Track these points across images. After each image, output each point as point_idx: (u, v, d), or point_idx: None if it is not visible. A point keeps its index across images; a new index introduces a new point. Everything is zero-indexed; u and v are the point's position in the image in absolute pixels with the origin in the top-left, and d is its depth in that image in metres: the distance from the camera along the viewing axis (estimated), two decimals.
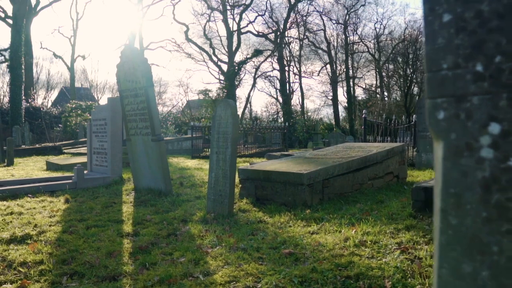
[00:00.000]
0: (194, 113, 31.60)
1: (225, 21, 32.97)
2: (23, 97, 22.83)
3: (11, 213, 4.89)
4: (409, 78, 35.82)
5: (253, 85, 37.93)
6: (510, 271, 0.61)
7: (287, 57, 38.33)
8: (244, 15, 34.24)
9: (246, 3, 33.34)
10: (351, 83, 40.21)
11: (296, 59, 40.11)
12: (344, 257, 2.98)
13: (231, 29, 33.46)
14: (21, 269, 3.13)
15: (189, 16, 76.90)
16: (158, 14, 70.82)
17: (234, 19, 33.94)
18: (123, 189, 6.57)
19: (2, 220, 4.53)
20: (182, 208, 5.10)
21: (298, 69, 40.40)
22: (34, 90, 31.94)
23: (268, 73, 38.76)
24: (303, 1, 34.89)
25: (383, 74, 40.91)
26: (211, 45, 34.07)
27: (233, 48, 33.23)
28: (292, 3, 33.79)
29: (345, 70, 39.68)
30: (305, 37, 38.41)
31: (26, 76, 25.33)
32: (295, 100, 41.80)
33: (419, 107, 9.83)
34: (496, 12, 0.60)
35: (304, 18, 36.58)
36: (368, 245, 3.26)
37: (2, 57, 34.67)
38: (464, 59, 0.62)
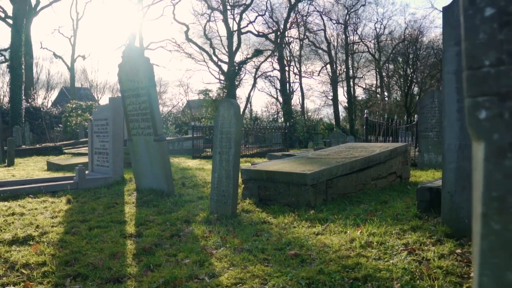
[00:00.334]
0: (195, 113, 31.58)
1: (225, 21, 32.93)
2: (23, 97, 22.79)
3: (13, 214, 4.85)
4: (409, 78, 35.78)
5: (253, 85, 37.87)
6: None
7: (287, 57, 38.31)
8: (244, 15, 34.23)
9: (246, 3, 33.30)
10: (351, 83, 40.18)
11: (296, 59, 40.10)
12: (350, 259, 2.95)
13: (231, 29, 33.42)
14: (23, 271, 3.09)
15: (189, 16, 77.02)
16: (158, 14, 70.84)
17: (234, 19, 33.92)
18: (125, 190, 6.53)
19: (4, 221, 4.49)
20: (184, 208, 5.06)
21: (298, 69, 40.40)
22: (34, 90, 31.90)
23: (268, 73, 38.73)
24: (303, 1, 34.87)
25: (383, 74, 40.89)
26: (211, 45, 34.03)
27: (233, 48, 33.19)
28: (292, 3, 33.75)
29: (345, 70, 39.65)
30: (305, 37, 38.40)
31: (26, 76, 25.29)
32: (295, 100, 41.80)
33: (421, 107, 9.80)
34: None
35: (304, 18, 36.57)
36: (375, 246, 3.23)
37: (2, 57, 34.63)
38: (508, 55, 0.59)
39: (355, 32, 39.80)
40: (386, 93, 41.64)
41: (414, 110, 32.82)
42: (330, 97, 41.32)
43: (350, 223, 3.97)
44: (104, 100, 48.05)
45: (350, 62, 40.12)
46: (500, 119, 0.62)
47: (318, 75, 41.15)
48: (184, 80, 67.64)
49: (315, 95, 51.90)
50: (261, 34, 36.24)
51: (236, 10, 33.74)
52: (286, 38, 36.60)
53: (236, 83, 32.98)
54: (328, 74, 40.32)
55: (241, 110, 37.51)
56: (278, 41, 34.57)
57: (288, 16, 34.34)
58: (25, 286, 2.81)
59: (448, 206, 3.53)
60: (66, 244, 3.67)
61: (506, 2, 0.60)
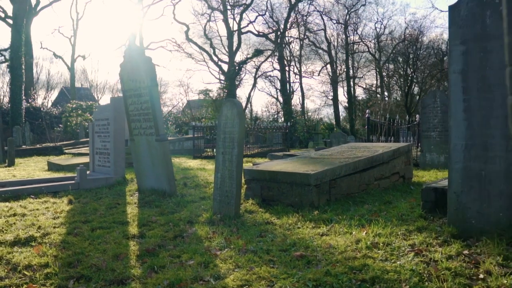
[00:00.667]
0: (195, 113, 31.54)
1: (225, 21, 32.88)
2: (23, 97, 22.74)
3: (14, 215, 4.82)
4: (409, 78, 35.71)
5: (254, 85, 37.84)
6: None
7: (287, 57, 38.26)
8: (244, 15, 34.17)
9: (247, 3, 33.26)
10: (351, 83, 40.13)
11: (296, 59, 40.05)
12: (357, 260, 2.92)
13: (232, 29, 33.38)
14: (26, 273, 3.06)
15: (190, 16, 76.91)
16: (158, 14, 70.83)
17: (234, 19, 33.87)
18: (127, 190, 6.50)
19: (5, 221, 4.46)
20: (187, 209, 5.02)
21: (299, 69, 40.36)
22: (34, 90, 31.85)
23: (268, 73, 38.69)
24: (304, 1, 34.83)
25: (384, 74, 40.82)
26: (211, 45, 33.99)
27: (234, 48, 33.14)
28: (292, 3, 33.71)
29: (345, 70, 39.61)
30: (305, 37, 38.35)
31: (26, 76, 25.24)
32: (296, 100, 41.74)
33: (423, 107, 9.77)
34: None
35: (305, 18, 36.50)
36: (381, 247, 3.19)
37: (2, 57, 34.58)
38: None
39: (355, 32, 39.78)
40: (386, 93, 41.59)
41: (414, 110, 32.79)
42: (330, 97, 41.30)
43: (355, 223, 3.94)
44: (104, 100, 48.01)
45: (350, 62, 40.08)
46: None
47: (318, 75, 41.14)
48: (184, 80, 67.81)
49: (315, 95, 51.82)
50: (261, 34, 36.20)
51: (236, 10, 33.73)
52: (286, 38, 36.56)
53: (237, 83, 32.96)
54: (328, 74, 40.30)
55: None
56: (278, 41, 34.52)
57: (288, 16, 34.30)
58: None
59: (454, 206, 3.50)
60: (69, 245, 3.63)
61: None
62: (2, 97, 35.04)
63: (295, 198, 5.05)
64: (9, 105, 23.03)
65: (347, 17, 38.04)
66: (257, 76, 36.73)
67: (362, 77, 42.51)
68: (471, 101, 3.41)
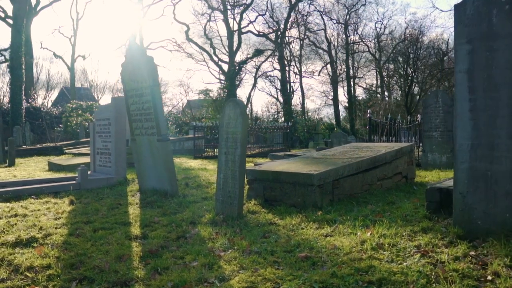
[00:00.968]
0: (195, 113, 31.50)
1: (225, 20, 32.86)
2: (24, 97, 22.70)
3: (16, 215, 4.78)
4: (409, 77, 35.68)
5: (254, 85, 37.82)
6: None
7: (287, 56, 38.21)
8: (244, 15, 34.15)
9: (247, 3, 33.23)
10: (351, 83, 40.10)
11: (296, 59, 40.00)
12: (363, 261, 2.89)
13: (232, 29, 33.35)
14: (28, 274, 3.03)
15: (190, 16, 76.66)
16: (158, 14, 70.73)
17: (234, 18, 33.84)
18: (128, 190, 6.46)
19: (7, 222, 4.43)
20: (189, 209, 4.99)
21: (299, 68, 40.32)
22: (34, 90, 31.81)
23: (268, 73, 38.65)
24: (304, 0, 34.81)
25: (384, 74, 40.80)
26: (211, 45, 33.96)
27: (234, 48, 33.11)
28: (292, 2, 33.68)
29: (345, 69, 39.57)
30: (305, 36, 38.31)
31: (26, 76, 25.20)
32: (296, 100, 41.70)
33: (424, 107, 9.74)
34: None
35: (305, 17, 36.47)
36: (386, 248, 3.16)
37: (2, 57, 34.56)
38: None
39: (355, 32, 39.75)
40: (386, 93, 41.57)
41: (414, 110, 32.76)
42: (331, 97, 41.27)
43: (359, 224, 3.91)
44: (104, 100, 48.00)
45: (350, 62, 40.05)
46: None
47: (319, 75, 41.11)
48: (184, 80, 67.68)
49: (315, 95, 51.73)
50: (261, 34, 36.18)
51: (237, 10, 33.70)
52: (287, 38, 36.53)
53: (237, 83, 32.93)
54: (329, 74, 40.26)
55: None
56: (279, 41, 34.50)
57: (289, 15, 34.27)
58: None
59: (460, 207, 3.47)
60: (71, 246, 3.60)
61: None
62: (2, 97, 34.99)
63: (298, 198, 5.02)
64: (9, 105, 22.98)
65: (347, 17, 38.04)
66: (257, 76, 36.72)
67: (362, 77, 42.52)
68: (477, 100, 3.38)
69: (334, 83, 39.27)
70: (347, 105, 40.20)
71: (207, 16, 34.15)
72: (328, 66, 39.69)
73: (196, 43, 34.18)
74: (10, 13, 26.78)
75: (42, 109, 26.25)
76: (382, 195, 5.51)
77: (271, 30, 35.98)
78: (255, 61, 35.49)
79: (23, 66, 22.56)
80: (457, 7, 3.52)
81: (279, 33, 34.85)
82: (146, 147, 6.14)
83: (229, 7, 32.84)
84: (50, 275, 2.99)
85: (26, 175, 8.72)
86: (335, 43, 39.97)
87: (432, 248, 3.11)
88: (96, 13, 68.46)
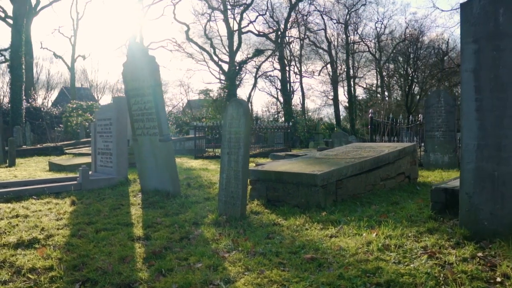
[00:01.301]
0: (195, 113, 31.47)
1: (225, 20, 32.83)
2: (24, 97, 22.66)
3: (17, 216, 4.75)
4: (410, 77, 35.65)
5: (254, 85, 37.82)
6: None
7: (287, 56, 38.19)
8: (244, 15, 34.13)
9: (247, 3, 33.20)
10: (351, 82, 40.07)
11: (296, 59, 39.98)
12: (370, 263, 2.85)
13: (232, 29, 33.32)
14: (30, 276, 2.99)
15: (190, 16, 76.50)
16: (158, 14, 70.73)
17: (234, 18, 33.81)
18: (130, 191, 6.43)
19: (8, 223, 4.39)
20: (192, 210, 4.95)
21: (299, 68, 40.30)
22: (34, 90, 31.76)
23: (269, 73, 38.66)
24: (304, 0, 34.78)
25: (384, 73, 40.77)
26: (211, 45, 33.93)
27: (234, 48, 33.08)
28: (292, 2, 33.65)
29: (345, 69, 39.55)
30: (305, 36, 38.28)
31: (26, 76, 25.15)
32: (296, 99, 41.69)
33: (426, 107, 9.70)
34: None
35: (305, 17, 36.45)
36: (393, 250, 3.13)
37: (2, 57, 34.52)
38: None
39: (355, 32, 39.74)
40: (386, 93, 41.55)
41: (415, 110, 32.74)
42: (331, 97, 41.26)
43: (363, 225, 3.87)
44: (104, 100, 47.99)
45: (350, 61, 40.02)
46: None
47: (319, 74, 41.11)
48: (184, 80, 67.64)
49: (315, 94, 51.80)
50: (261, 33, 36.16)
51: (237, 10, 33.67)
52: (287, 38, 36.51)
53: (237, 83, 32.90)
54: (329, 74, 40.25)
55: None
56: (279, 40, 34.47)
57: (289, 15, 34.25)
58: None
59: (466, 207, 3.44)
60: (73, 248, 3.57)
61: None
62: (2, 97, 35.00)
63: (301, 199, 4.99)
64: (9, 105, 22.94)
65: (348, 16, 38.02)
66: (257, 76, 36.72)
67: (363, 77, 42.51)
68: (483, 100, 3.35)
69: (334, 83, 39.25)
70: (347, 105, 40.18)
71: (207, 16, 34.16)
72: (328, 66, 39.69)
73: (196, 43, 34.17)
74: (10, 13, 26.75)
75: (42, 109, 26.21)
76: (386, 195, 5.48)
77: (271, 30, 35.97)
78: (255, 61, 35.52)
79: (23, 66, 22.53)
80: (463, 6, 3.48)
81: (279, 33, 34.83)
82: (148, 147, 6.10)
83: (229, 7, 32.81)
84: (53, 277, 2.95)
85: (26, 175, 8.68)
86: (335, 43, 39.99)
87: (439, 249, 3.08)
88: (96, 13, 68.43)
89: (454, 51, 36.39)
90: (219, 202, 4.73)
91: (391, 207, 4.74)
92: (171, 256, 3.27)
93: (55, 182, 6.88)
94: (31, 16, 28.95)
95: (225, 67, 33.40)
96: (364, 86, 43.92)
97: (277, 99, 40.89)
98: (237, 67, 32.18)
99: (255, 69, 36.30)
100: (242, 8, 33.37)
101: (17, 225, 4.33)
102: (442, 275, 2.56)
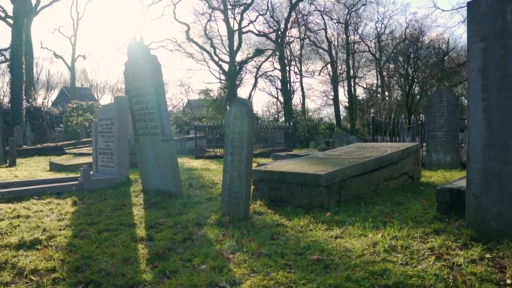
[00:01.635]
0: (195, 113, 31.41)
1: (226, 20, 32.80)
2: (24, 97, 22.61)
3: (18, 216, 4.71)
4: (410, 77, 35.60)
5: (254, 85, 37.78)
6: None
7: (288, 56, 38.15)
8: (245, 15, 34.13)
9: (247, 3, 33.17)
10: (352, 82, 40.03)
11: (297, 59, 39.94)
12: (377, 264, 2.81)
13: (232, 29, 33.29)
14: (33, 277, 2.95)
15: (190, 16, 76.46)
16: (159, 14, 70.67)
17: (235, 18, 33.79)
18: (131, 191, 6.39)
19: (9, 223, 4.35)
20: (194, 210, 4.92)
21: (299, 68, 40.26)
22: (35, 90, 31.71)
23: (269, 73, 38.62)
24: (304, 0, 34.75)
25: (384, 73, 40.73)
26: (212, 45, 33.90)
27: (234, 48, 33.05)
28: (293, 2, 33.62)
29: (346, 69, 39.51)
30: (306, 36, 38.25)
31: (27, 76, 25.09)
32: (296, 99, 41.65)
33: (429, 106, 9.66)
34: None
35: (305, 17, 36.43)
36: (399, 251, 3.09)
37: (3, 57, 34.46)
38: None
39: (355, 32, 39.70)
40: (386, 93, 41.50)
41: (415, 110, 32.70)
42: (331, 97, 41.22)
43: (369, 225, 3.83)
44: (104, 100, 47.94)
45: (350, 61, 39.97)
46: None
47: (319, 74, 41.07)
48: (184, 79, 67.64)
49: (315, 94, 51.87)
50: (262, 33, 36.13)
51: (237, 10, 33.65)
52: (287, 38, 36.48)
53: (237, 82, 32.88)
54: (329, 74, 40.21)
55: None
56: (279, 40, 34.44)
57: (289, 15, 34.23)
58: None
59: (473, 208, 3.40)
60: (76, 249, 3.53)
61: None
62: (2, 97, 34.97)
63: (305, 199, 4.95)
64: (9, 105, 22.90)
65: (348, 16, 37.98)
66: (257, 75, 36.70)
67: (363, 76, 42.46)
68: (491, 100, 3.31)
69: (335, 83, 39.21)
70: (347, 105, 40.14)
71: (208, 15, 34.14)
72: (329, 66, 39.65)
73: (196, 43, 34.14)
74: (10, 13, 26.70)
75: (42, 109, 26.16)
76: (389, 195, 5.44)
77: (271, 30, 35.93)
78: (255, 61, 35.49)
79: (23, 66, 22.47)
80: (470, 5, 3.45)
81: (279, 32, 34.80)
82: (149, 147, 6.06)
83: (229, 6, 32.79)
84: (56, 279, 2.91)
85: (27, 176, 8.64)
86: (336, 43, 39.95)
87: (446, 250, 3.04)
88: (96, 13, 68.38)
89: (455, 51, 36.41)
90: (222, 202, 4.69)
91: (395, 208, 4.70)
92: (175, 257, 3.24)
93: (56, 182, 6.84)
94: (31, 16, 28.90)
95: (225, 67, 33.39)
96: (364, 86, 43.91)
97: (277, 99, 40.87)
98: (238, 67, 32.16)
99: (255, 69, 36.31)
100: (242, 8, 33.36)
101: (18, 225, 4.29)
102: (451, 277, 2.53)
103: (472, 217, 3.41)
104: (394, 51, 37.45)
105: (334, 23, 39.38)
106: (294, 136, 26.18)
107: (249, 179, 4.49)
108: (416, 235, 3.45)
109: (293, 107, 35.87)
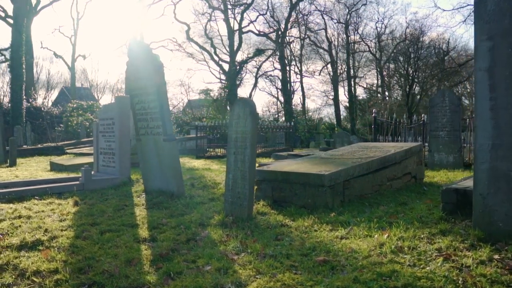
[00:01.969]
0: (195, 113, 31.37)
1: (226, 20, 32.76)
2: (24, 97, 22.57)
3: (19, 217, 4.66)
4: (410, 77, 35.57)
5: (255, 85, 37.75)
6: None
7: (288, 56, 38.11)
8: (245, 15, 34.09)
9: (247, 2, 33.13)
10: (352, 82, 39.99)
11: (297, 59, 39.91)
12: (384, 265, 2.77)
13: (232, 29, 33.25)
14: (35, 279, 2.91)
15: (190, 16, 76.57)
16: (159, 14, 70.57)
17: (235, 18, 33.75)
18: (133, 191, 6.34)
19: (11, 224, 4.31)
20: (197, 211, 4.87)
21: (299, 68, 40.23)
22: (35, 90, 31.67)
23: (269, 73, 38.59)
24: (304, 0, 34.71)
25: (384, 73, 40.69)
26: (212, 45, 33.87)
27: (234, 48, 33.02)
28: (293, 2, 33.58)
29: (346, 69, 39.47)
30: (306, 36, 38.21)
31: (27, 76, 25.04)
32: (296, 99, 41.64)
33: (431, 106, 9.62)
34: None
35: (305, 17, 36.41)
36: (407, 252, 3.05)
37: (3, 57, 34.42)
38: None
39: (356, 32, 39.65)
40: (387, 93, 41.46)
41: (415, 110, 32.65)
42: (331, 97, 41.18)
43: (374, 226, 3.79)
44: (104, 100, 47.90)
45: (351, 61, 39.93)
46: None
47: (319, 74, 41.03)
48: (185, 79, 67.59)
49: (316, 94, 51.82)
50: (262, 33, 36.09)
51: (237, 10, 33.61)
52: (287, 38, 36.43)
53: (237, 82, 32.83)
54: (329, 74, 40.18)
55: None
56: (279, 40, 34.40)
57: (289, 15, 34.19)
58: None
59: (480, 208, 3.36)
60: (78, 250, 3.49)
61: None
62: (2, 97, 34.94)
63: (308, 199, 4.91)
64: (9, 105, 22.86)
65: (348, 16, 37.94)
66: (258, 75, 36.66)
67: (363, 76, 42.42)
68: (498, 99, 3.27)
69: (335, 82, 39.18)
70: (347, 104, 40.10)
71: (208, 15, 34.10)
72: (329, 65, 39.62)
73: (196, 43, 34.11)
74: (10, 13, 26.66)
75: (42, 109, 26.11)
76: (393, 195, 5.41)
77: (271, 30, 35.91)
78: (255, 61, 35.45)
79: (23, 66, 22.44)
80: (477, 3, 3.41)
81: (279, 32, 34.77)
82: (151, 147, 6.02)
83: (229, 6, 32.75)
84: (58, 280, 2.87)
85: (28, 176, 8.60)
86: (336, 43, 39.91)
87: (454, 251, 3.00)
88: (96, 13, 68.33)
89: (455, 51, 36.37)
90: (225, 202, 4.65)
91: (400, 208, 4.66)
92: (179, 258, 3.20)
93: (57, 182, 6.80)
94: (31, 16, 28.85)
95: (226, 66, 33.36)
96: (365, 86, 43.87)
97: (278, 99, 40.86)
98: (238, 67, 32.12)
99: (256, 69, 36.28)
100: (242, 7, 33.33)
101: (20, 226, 4.25)
102: (460, 278, 2.49)
103: (479, 218, 3.37)
104: (395, 51, 37.43)
105: (334, 23, 39.39)
106: (294, 136, 26.13)
107: (253, 179, 4.45)
108: (422, 236, 3.41)
109: (293, 107, 35.87)
